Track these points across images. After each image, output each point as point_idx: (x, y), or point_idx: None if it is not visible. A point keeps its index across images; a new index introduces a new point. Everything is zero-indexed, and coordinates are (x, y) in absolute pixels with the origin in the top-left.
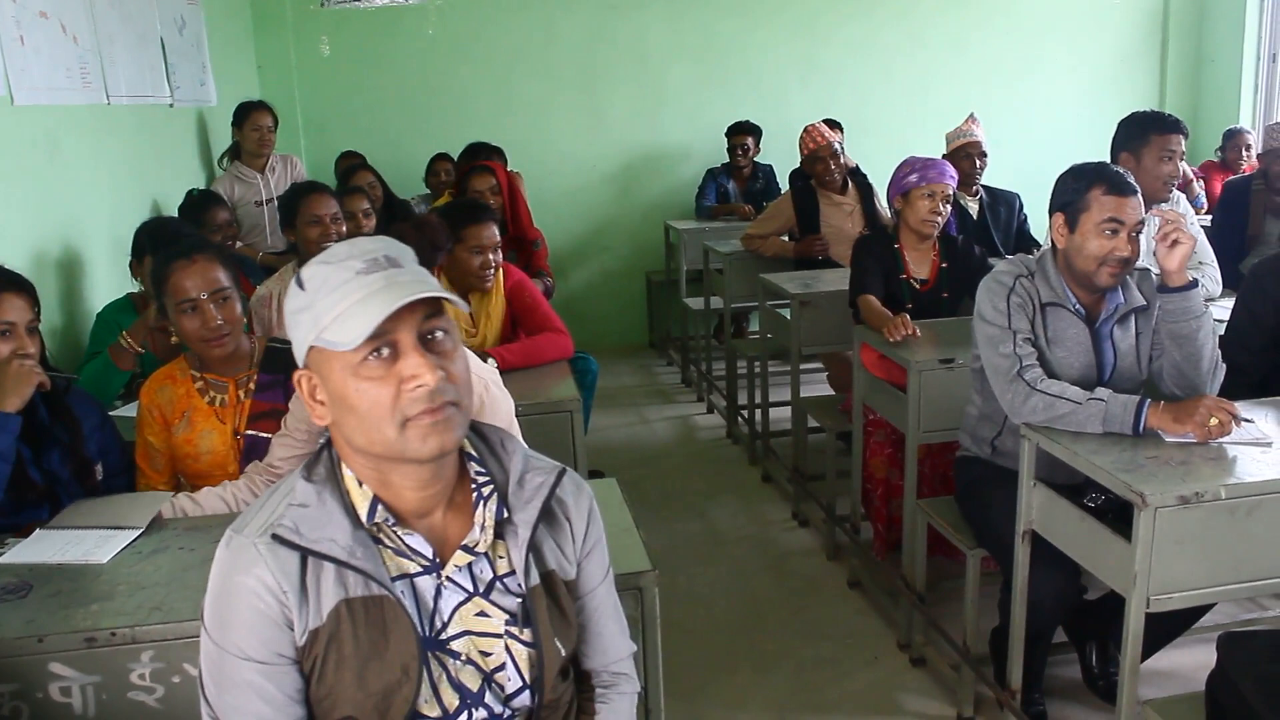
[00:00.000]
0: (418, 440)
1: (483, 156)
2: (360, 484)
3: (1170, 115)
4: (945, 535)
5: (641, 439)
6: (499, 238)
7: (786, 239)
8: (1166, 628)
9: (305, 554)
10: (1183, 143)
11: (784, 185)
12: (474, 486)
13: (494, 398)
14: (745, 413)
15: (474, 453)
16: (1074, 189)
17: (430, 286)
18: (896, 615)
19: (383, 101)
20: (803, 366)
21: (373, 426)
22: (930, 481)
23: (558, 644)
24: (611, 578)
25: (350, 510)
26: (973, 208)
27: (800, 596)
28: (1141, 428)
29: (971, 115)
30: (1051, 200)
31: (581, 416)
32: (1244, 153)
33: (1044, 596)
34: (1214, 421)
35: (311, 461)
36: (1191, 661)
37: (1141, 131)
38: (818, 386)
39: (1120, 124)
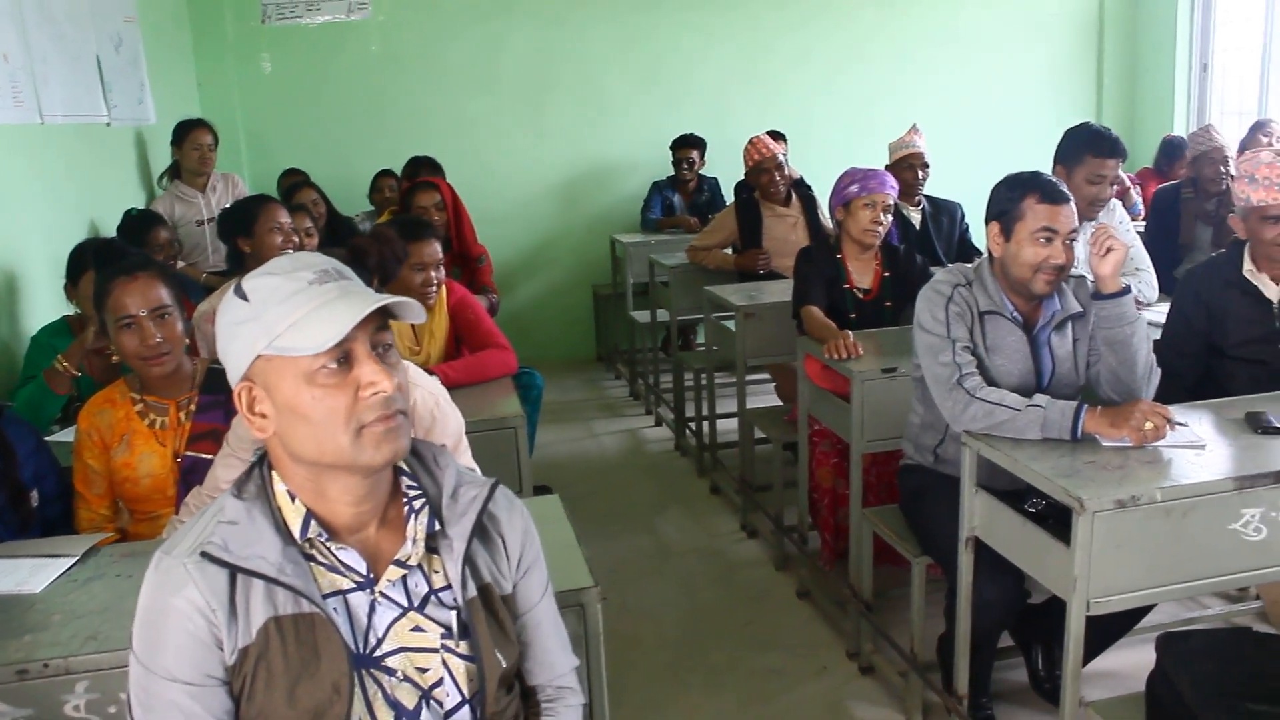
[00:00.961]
0: (372, 447)
1: (424, 171)
2: (293, 499)
3: (1111, 137)
4: (890, 543)
5: (590, 453)
6: (441, 254)
7: (730, 251)
8: (1109, 629)
9: (234, 571)
10: (1118, 166)
11: (729, 197)
12: (405, 501)
13: (444, 413)
14: (693, 425)
15: (406, 467)
16: (1008, 198)
17: (385, 297)
18: (845, 624)
19: (326, 118)
20: (750, 377)
21: (326, 435)
22: (876, 490)
23: (498, 655)
24: (551, 593)
25: (281, 527)
26: (915, 217)
27: (749, 607)
28: (1079, 433)
29: (914, 126)
30: (987, 209)
31: (526, 432)
32: (1179, 164)
33: (988, 602)
34: (1149, 426)
35: (242, 479)
36: (1135, 662)
37: (1077, 150)
38: (766, 397)
39: (1065, 133)
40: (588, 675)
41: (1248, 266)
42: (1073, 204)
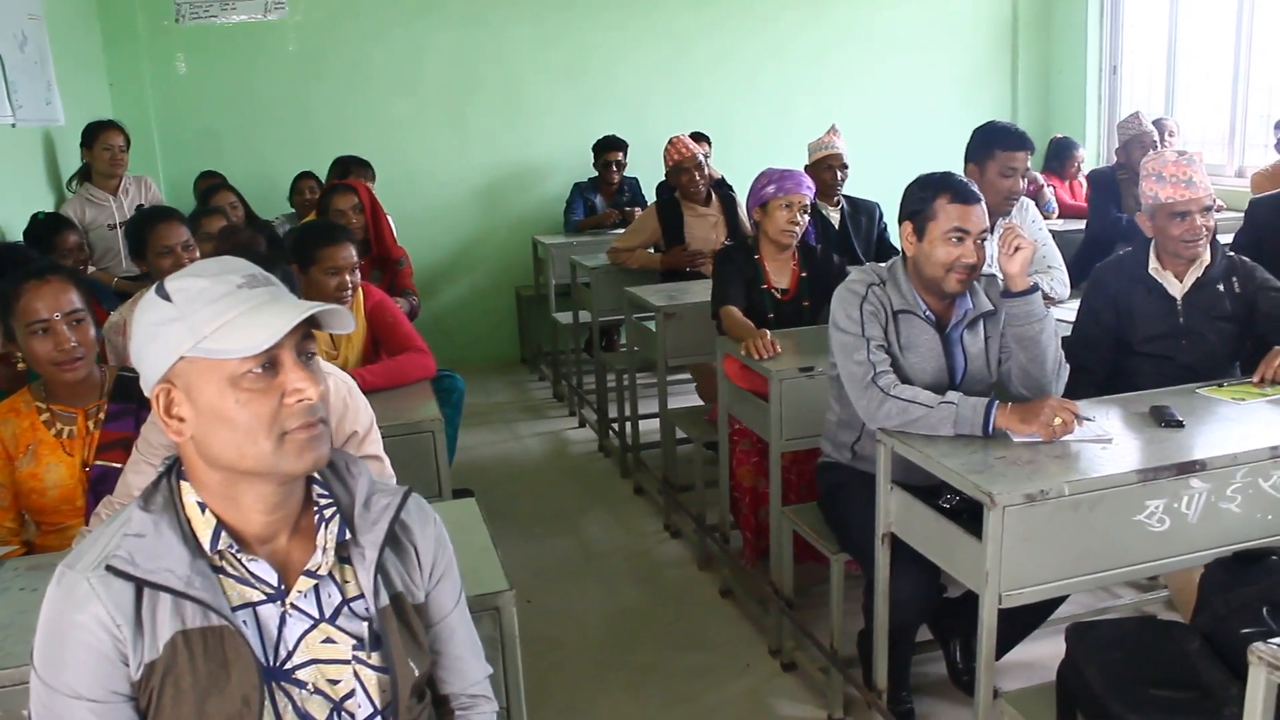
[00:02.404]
0: (294, 454)
1: (352, 170)
2: (203, 510)
3: (1017, 132)
4: (810, 541)
5: (514, 455)
6: (355, 258)
7: (653, 251)
8: (1024, 621)
9: (140, 585)
10: (1026, 159)
11: (651, 198)
12: (316, 510)
13: (357, 404)
14: (616, 426)
15: (318, 475)
16: (920, 198)
17: (316, 305)
18: (767, 622)
19: (244, 120)
20: (672, 377)
21: (248, 440)
22: (797, 488)
23: (411, 665)
24: (464, 602)
25: (190, 539)
26: (834, 217)
27: (673, 607)
28: (990, 428)
29: (833, 127)
30: (900, 209)
31: (444, 436)
32: (1079, 167)
33: (905, 597)
34: (1057, 421)
35: (149, 490)
36: (1050, 653)
37: (987, 145)
38: (688, 397)
39: (973, 132)
40: (504, 679)
41: (1153, 265)
42: (983, 204)
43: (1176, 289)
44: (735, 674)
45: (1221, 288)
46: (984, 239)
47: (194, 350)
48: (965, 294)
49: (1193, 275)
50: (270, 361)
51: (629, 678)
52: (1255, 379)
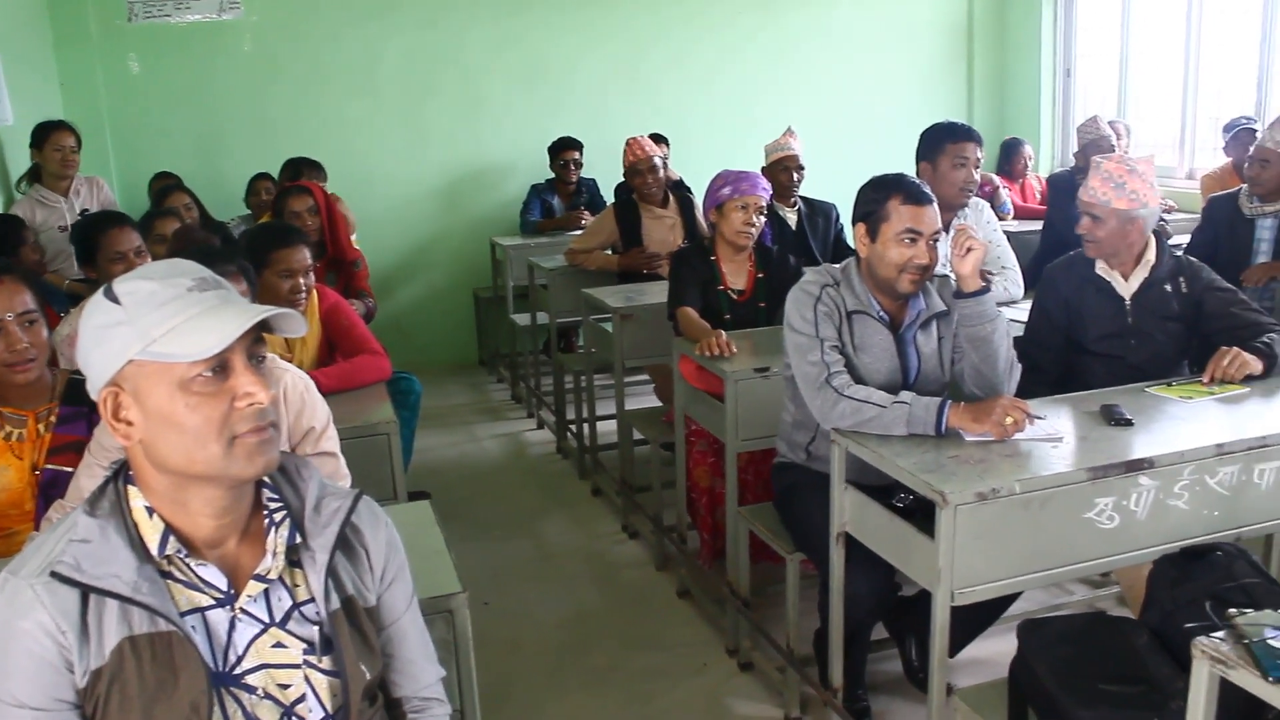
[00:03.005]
0: (244, 458)
1: (303, 171)
2: (151, 515)
3: (963, 125)
4: (766, 541)
5: (472, 457)
6: (310, 260)
7: (610, 253)
8: (978, 618)
9: (86, 591)
10: (976, 150)
11: (609, 199)
12: (266, 514)
13: (314, 399)
14: (574, 427)
15: (268, 479)
16: (874, 199)
17: (268, 308)
18: (724, 622)
19: (199, 120)
20: (630, 379)
21: (197, 444)
22: (754, 488)
23: (362, 668)
24: (416, 604)
25: (137, 544)
26: (791, 218)
27: (631, 608)
28: (943, 428)
29: (789, 129)
30: (854, 211)
31: (399, 438)
32: (1026, 164)
33: (860, 596)
34: (1009, 420)
35: (95, 495)
36: (1004, 650)
37: (937, 141)
38: (646, 398)
39: (921, 135)
40: (458, 681)
41: (1101, 265)
42: (936, 205)
43: (1125, 289)
44: (692, 674)
45: (1169, 288)
46: (936, 240)
47: (143, 354)
48: (918, 294)
49: (1140, 276)
50: (221, 365)
51: (586, 678)
52: (1205, 379)
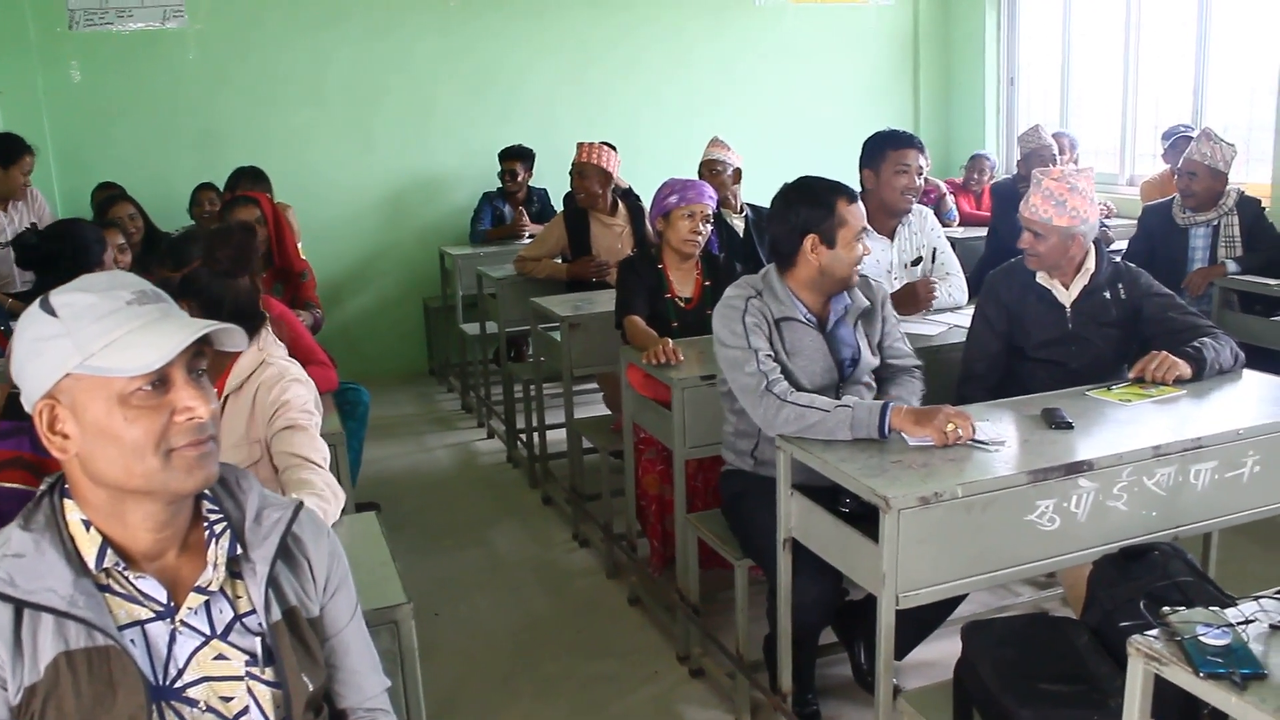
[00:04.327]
0: (183, 472)
1: (246, 183)
2: (88, 528)
3: (905, 132)
4: (714, 547)
5: (422, 468)
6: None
7: (559, 261)
8: (924, 621)
9: (20, 606)
10: (918, 157)
11: (559, 207)
12: (206, 525)
13: (290, 391)
14: (524, 437)
15: (208, 491)
16: (823, 206)
17: (209, 323)
18: (674, 629)
19: (143, 130)
20: (580, 387)
21: (135, 458)
22: (703, 495)
23: (305, 679)
24: (360, 615)
25: (74, 558)
26: (739, 225)
27: (581, 616)
28: (886, 430)
29: (715, 138)
30: (794, 226)
31: (346, 449)
32: (980, 175)
33: (807, 601)
34: (950, 427)
35: (30, 510)
36: (953, 651)
37: (879, 148)
38: (596, 406)
39: (864, 143)
40: (404, 693)
41: (1041, 274)
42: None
43: (1065, 297)
44: (643, 681)
45: (1108, 295)
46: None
47: (80, 367)
48: (841, 291)
49: (1080, 284)
50: (160, 379)
51: (537, 687)
52: (1132, 375)
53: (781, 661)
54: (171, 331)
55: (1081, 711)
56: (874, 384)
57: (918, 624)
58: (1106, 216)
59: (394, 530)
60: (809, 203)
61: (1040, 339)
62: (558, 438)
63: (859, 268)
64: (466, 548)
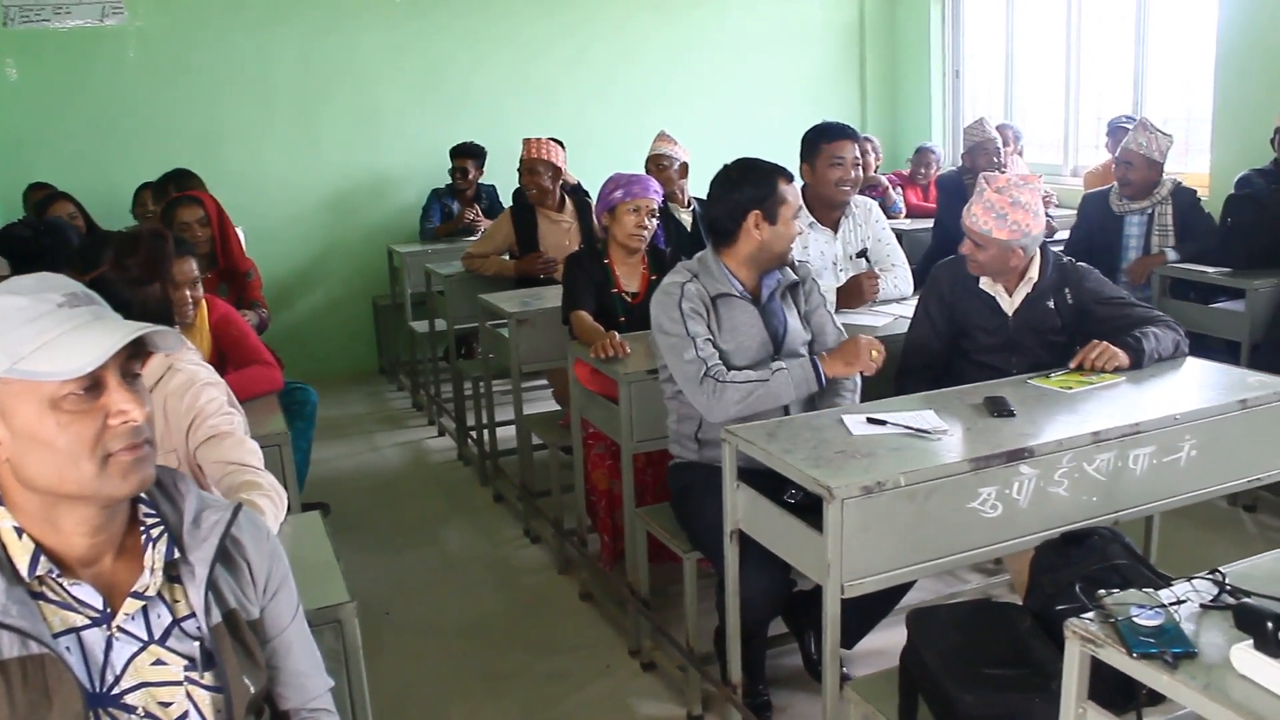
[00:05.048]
0: (119, 476)
1: (176, 185)
2: (20, 535)
3: (839, 125)
4: (664, 541)
5: (373, 467)
6: (197, 272)
7: (508, 258)
8: (872, 610)
9: None
10: (853, 149)
11: (509, 204)
12: (143, 529)
13: (203, 394)
14: (474, 434)
15: (145, 495)
16: (762, 188)
17: (142, 325)
18: (626, 623)
19: (83, 129)
20: (530, 383)
21: (68, 463)
22: (652, 489)
23: (246, 682)
24: (302, 615)
25: (5, 565)
26: (686, 219)
27: (533, 612)
28: (823, 379)
29: (662, 133)
30: (735, 204)
31: (291, 450)
32: (927, 169)
33: (755, 593)
34: (874, 353)
35: None
36: (901, 640)
37: (813, 143)
38: (547, 402)
39: (802, 137)
40: (349, 692)
41: (985, 280)
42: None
43: (1008, 305)
44: (596, 676)
45: (1052, 304)
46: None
47: (10, 372)
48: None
49: (1023, 292)
50: (94, 383)
51: (490, 685)
52: (1072, 365)
53: (731, 653)
54: (104, 334)
55: (1023, 694)
56: (808, 353)
57: (865, 613)
58: (1048, 206)
59: (345, 530)
60: (752, 181)
61: (982, 343)
62: (508, 434)
63: (807, 259)
64: (417, 546)
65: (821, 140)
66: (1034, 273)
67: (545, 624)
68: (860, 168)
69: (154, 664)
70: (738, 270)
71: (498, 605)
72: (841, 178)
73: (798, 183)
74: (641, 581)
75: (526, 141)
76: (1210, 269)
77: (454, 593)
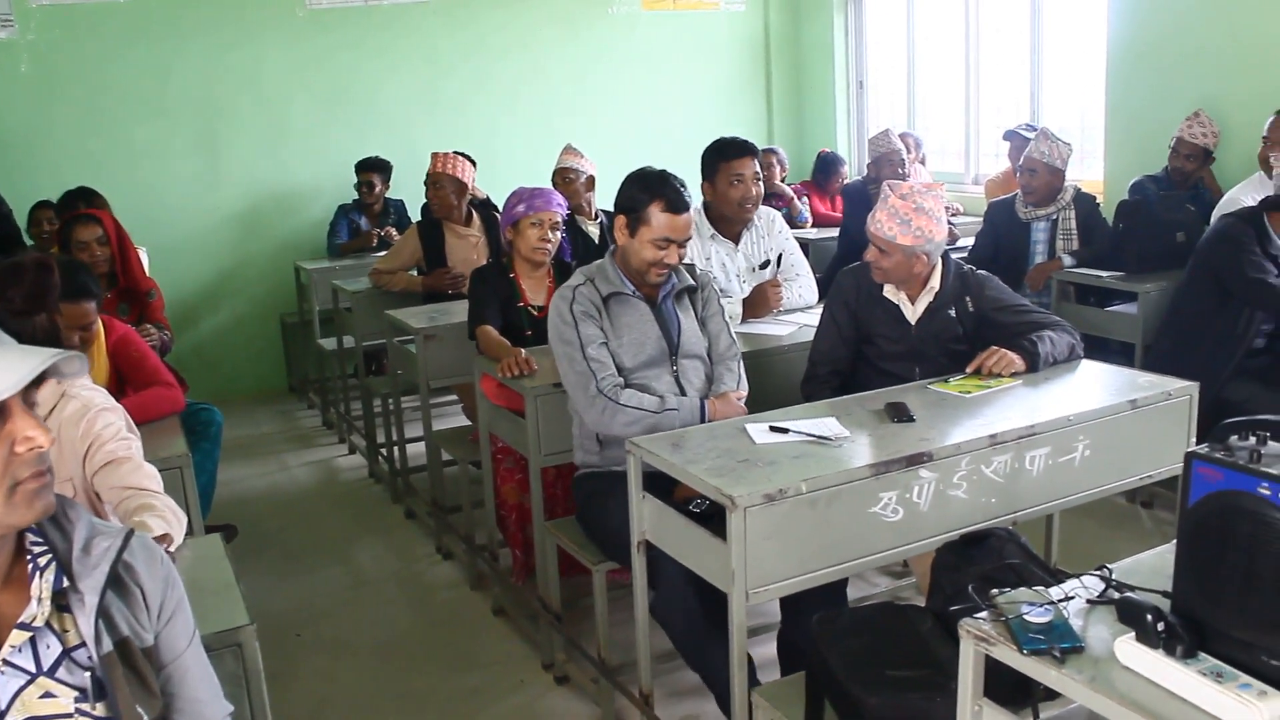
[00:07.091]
0: (24, 505)
1: (80, 205)
2: None
3: (738, 142)
4: (572, 554)
5: (282, 486)
6: (94, 314)
7: (415, 273)
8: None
9: None
10: (753, 165)
11: (417, 219)
12: (30, 559)
13: (100, 420)
14: (385, 451)
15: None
16: (638, 199)
17: (54, 352)
18: (538, 637)
19: None
20: (439, 399)
21: None
22: (563, 503)
23: (140, 711)
24: (198, 640)
25: None
26: (594, 232)
27: (446, 629)
28: (706, 419)
29: (567, 146)
30: (617, 200)
31: (192, 472)
32: (842, 179)
33: (671, 600)
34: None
35: None
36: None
37: (712, 161)
38: (457, 418)
39: (701, 155)
40: (251, 717)
41: (889, 288)
42: (692, 211)
43: (910, 313)
44: (509, 691)
45: (954, 312)
46: (687, 242)
47: None
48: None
49: (925, 300)
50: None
51: (404, 704)
52: (969, 370)
53: (641, 663)
54: (18, 360)
55: (925, 695)
56: (706, 358)
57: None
58: (953, 215)
59: (254, 551)
60: (635, 187)
61: (886, 351)
62: (419, 451)
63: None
64: (329, 566)
65: (720, 159)
66: (936, 281)
67: (458, 640)
68: (762, 182)
69: (42, 696)
70: (627, 272)
71: (410, 623)
72: (743, 196)
73: (693, 212)
74: (553, 595)
75: (433, 156)
76: (1105, 273)
77: (366, 612)
